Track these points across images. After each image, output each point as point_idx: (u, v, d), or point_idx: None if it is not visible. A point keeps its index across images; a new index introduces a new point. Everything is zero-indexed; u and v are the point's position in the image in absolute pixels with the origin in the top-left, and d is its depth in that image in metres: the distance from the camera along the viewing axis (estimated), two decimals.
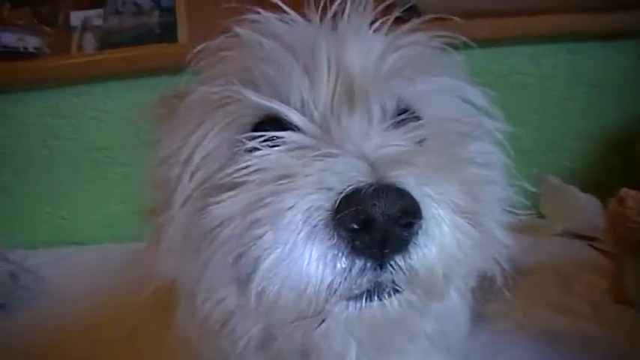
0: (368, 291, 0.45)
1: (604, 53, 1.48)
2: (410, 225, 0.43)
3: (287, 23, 0.59)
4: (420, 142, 0.52)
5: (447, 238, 0.46)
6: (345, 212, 0.42)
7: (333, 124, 0.52)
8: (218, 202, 0.50)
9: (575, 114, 1.49)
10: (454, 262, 0.47)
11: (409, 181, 0.44)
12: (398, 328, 0.52)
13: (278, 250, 0.45)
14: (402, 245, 0.44)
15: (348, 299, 0.46)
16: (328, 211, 0.43)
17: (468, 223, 0.47)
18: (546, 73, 1.49)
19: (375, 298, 0.46)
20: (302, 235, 0.44)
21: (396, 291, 0.46)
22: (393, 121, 0.54)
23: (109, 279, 1.27)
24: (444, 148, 0.52)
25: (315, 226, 0.44)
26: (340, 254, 0.43)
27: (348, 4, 0.59)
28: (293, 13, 0.60)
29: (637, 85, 1.46)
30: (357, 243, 0.43)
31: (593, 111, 1.50)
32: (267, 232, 0.45)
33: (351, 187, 0.43)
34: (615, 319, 1.01)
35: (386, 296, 0.46)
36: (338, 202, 0.43)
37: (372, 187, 0.42)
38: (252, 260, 0.46)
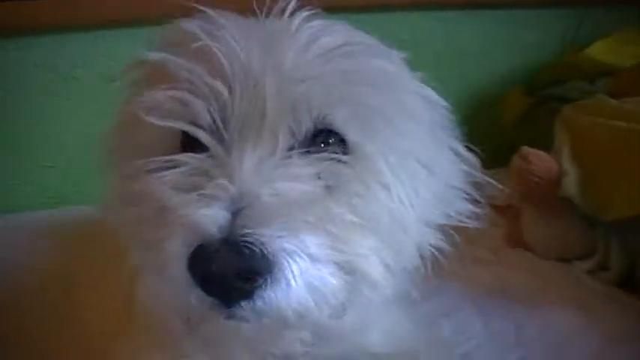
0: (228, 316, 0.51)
1: (475, 22, 1.60)
2: (253, 279, 0.48)
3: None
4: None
5: (294, 288, 0.49)
6: (194, 262, 0.48)
7: (235, 149, 0.55)
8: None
9: (447, 79, 1.58)
10: (307, 305, 0.50)
11: (261, 238, 0.48)
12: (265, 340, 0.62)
13: (154, 271, 0.53)
14: (243, 295, 0.49)
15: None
16: (185, 255, 0.48)
17: (329, 271, 0.51)
18: (420, 40, 1.57)
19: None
20: (165, 270, 0.50)
21: (247, 321, 0.51)
22: (300, 150, 0.56)
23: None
24: (344, 188, 0.56)
25: (174, 265, 0.49)
26: (193, 292, 0.49)
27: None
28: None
29: (504, 52, 1.62)
30: (205, 287, 0.49)
31: (464, 76, 1.63)
32: (147, 253, 0.53)
33: (200, 241, 0.48)
34: (512, 260, 1.15)
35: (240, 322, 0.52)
36: (191, 252, 0.48)
37: (216, 246, 0.47)
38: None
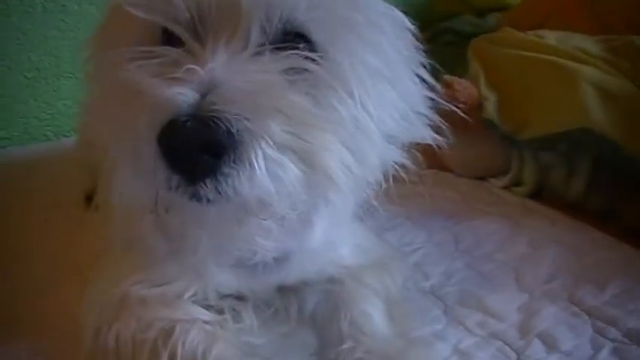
0: (192, 195, 0.53)
1: None
2: (218, 155, 0.50)
3: None
4: (292, 72, 0.57)
5: (257, 170, 0.51)
6: (161, 136, 0.50)
7: (209, 44, 0.56)
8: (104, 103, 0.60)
9: None
10: (267, 190, 0.53)
11: (228, 115, 0.50)
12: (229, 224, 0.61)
13: (126, 157, 0.54)
14: (208, 170, 0.51)
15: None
16: (154, 131, 0.50)
17: (291, 159, 0.53)
18: None
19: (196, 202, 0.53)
20: (139, 147, 0.52)
21: (210, 202, 0.53)
22: (274, 46, 0.58)
23: None
24: (310, 84, 0.58)
25: (146, 142, 0.51)
26: (160, 169, 0.51)
27: None
28: None
29: None
30: (171, 162, 0.51)
31: None
32: (121, 141, 0.55)
33: (170, 116, 0.50)
34: (434, 180, 1.24)
35: (204, 203, 0.53)
36: (160, 126, 0.50)
37: (184, 119, 0.49)
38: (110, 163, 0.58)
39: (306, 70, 0.58)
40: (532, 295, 0.89)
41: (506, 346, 0.79)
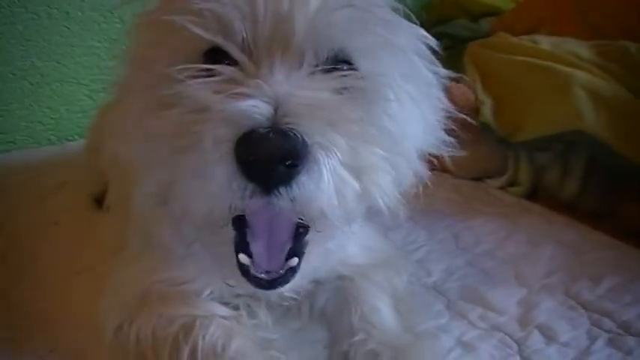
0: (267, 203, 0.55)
1: None
2: (294, 165, 0.53)
3: None
4: (344, 91, 0.61)
5: (326, 182, 0.54)
6: (241, 148, 0.52)
7: (265, 63, 0.59)
8: (156, 118, 0.59)
9: None
10: (331, 202, 0.56)
11: (302, 128, 0.53)
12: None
13: (192, 174, 0.56)
14: (284, 180, 0.54)
15: None
16: (230, 143, 0.53)
17: (351, 175, 0.57)
18: None
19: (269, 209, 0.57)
20: (209, 162, 0.54)
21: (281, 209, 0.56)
22: (323, 67, 0.62)
23: None
24: (359, 103, 0.61)
25: (220, 155, 0.53)
26: (237, 180, 0.53)
27: None
28: None
29: None
30: (249, 173, 0.53)
31: None
32: (185, 157, 0.56)
33: (249, 128, 0.52)
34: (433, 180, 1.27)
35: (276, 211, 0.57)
36: (238, 138, 0.52)
37: (265, 130, 0.52)
38: (174, 179, 0.58)
39: (350, 89, 0.62)
40: (531, 290, 0.93)
41: (507, 337, 0.83)
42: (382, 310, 0.80)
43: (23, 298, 0.92)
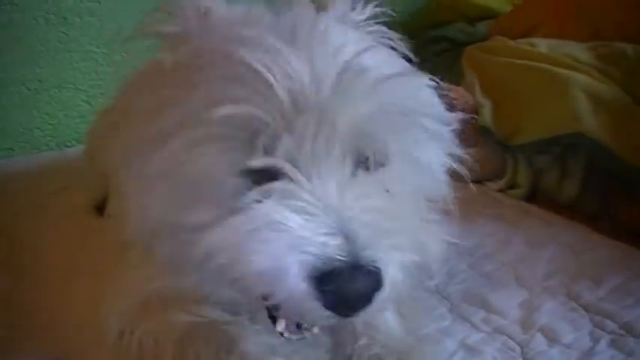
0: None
1: None
2: (373, 297, 0.55)
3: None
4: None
5: (396, 281, 0.57)
6: (324, 284, 0.53)
7: (314, 172, 0.59)
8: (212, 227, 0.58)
9: None
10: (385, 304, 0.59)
11: (380, 259, 0.55)
12: None
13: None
14: (364, 307, 0.56)
15: None
16: (310, 274, 0.54)
17: (412, 258, 0.60)
18: None
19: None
20: (290, 279, 0.54)
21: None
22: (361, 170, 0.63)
23: None
24: (403, 193, 0.65)
25: (297, 281, 0.54)
26: (316, 308, 0.55)
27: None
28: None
29: None
30: (331, 306, 0.54)
31: None
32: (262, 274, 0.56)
33: (328, 266, 0.53)
34: None
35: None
36: (320, 273, 0.53)
37: (346, 270, 0.53)
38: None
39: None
40: (532, 292, 0.94)
41: (510, 340, 0.83)
42: (386, 314, 0.80)
43: (24, 298, 0.93)
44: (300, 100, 0.58)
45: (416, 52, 1.00)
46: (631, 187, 1.17)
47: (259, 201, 0.58)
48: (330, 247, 0.54)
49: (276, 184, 0.58)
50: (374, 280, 0.54)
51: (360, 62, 0.62)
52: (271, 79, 0.57)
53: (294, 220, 0.55)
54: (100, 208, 1.14)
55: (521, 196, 1.26)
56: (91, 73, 1.66)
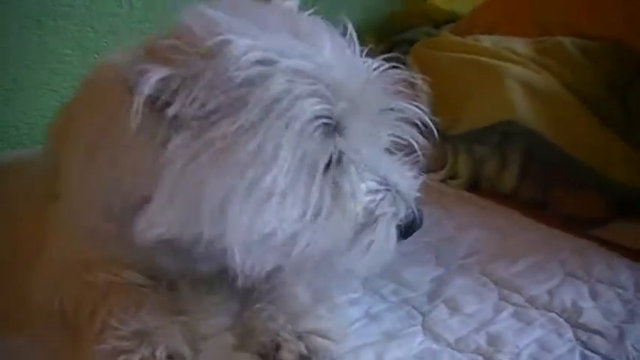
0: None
1: None
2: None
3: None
4: None
5: None
6: (405, 226, 0.73)
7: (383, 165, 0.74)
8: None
9: None
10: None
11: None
12: None
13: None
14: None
15: None
16: (400, 222, 0.73)
17: None
18: None
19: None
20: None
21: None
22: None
23: None
24: None
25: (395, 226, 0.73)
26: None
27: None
28: None
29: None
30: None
31: None
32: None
33: (407, 219, 0.73)
34: None
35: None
36: (404, 222, 0.73)
37: (417, 217, 0.74)
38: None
39: None
40: (447, 269, 0.97)
41: (413, 310, 0.87)
42: (291, 284, 0.84)
43: None
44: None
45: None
46: (568, 174, 1.20)
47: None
48: (406, 208, 0.74)
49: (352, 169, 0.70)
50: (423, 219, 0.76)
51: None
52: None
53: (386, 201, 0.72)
54: None
55: (462, 186, 1.30)
56: (66, 74, 1.72)
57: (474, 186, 1.32)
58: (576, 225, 1.13)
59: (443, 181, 1.32)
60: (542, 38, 1.37)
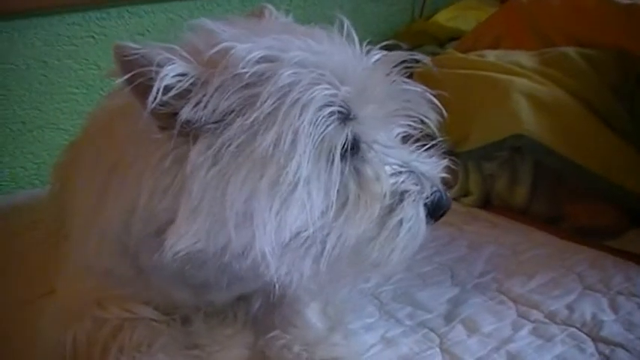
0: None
1: None
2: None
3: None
4: None
5: None
6: (432, 204, 0.71)
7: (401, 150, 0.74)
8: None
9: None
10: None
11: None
12: None
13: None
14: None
15: None
16: (426, 200, 0.71)
17: None
18: None
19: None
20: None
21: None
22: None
23: None
24: None
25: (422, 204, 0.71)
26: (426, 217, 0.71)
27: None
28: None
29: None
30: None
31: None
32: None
33: (434, 197, 0.71)
34: None
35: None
36: (430, 199, 0.71)
37: (443, 196, 0.73)
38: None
39: None
40: (463, 289, 0.96)
41: (431, 332, 0.86)
42: (305, 312, 0.83)
43: None
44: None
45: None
46: (578, 184, 1.19)
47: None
48: (432, 187, 0.73)
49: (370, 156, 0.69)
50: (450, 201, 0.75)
51: None
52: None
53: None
54: None
55: (474, 203, 1.29)
56: (72, 113, 1.73)
57: (486, 203, 1.30)
58: (591, 237, 1.12)
59: (454, 199, 1.31)
60: (547, 50, 1.37)
